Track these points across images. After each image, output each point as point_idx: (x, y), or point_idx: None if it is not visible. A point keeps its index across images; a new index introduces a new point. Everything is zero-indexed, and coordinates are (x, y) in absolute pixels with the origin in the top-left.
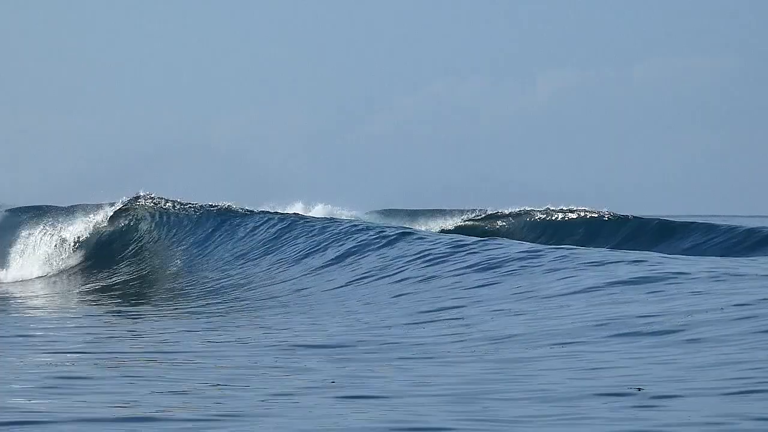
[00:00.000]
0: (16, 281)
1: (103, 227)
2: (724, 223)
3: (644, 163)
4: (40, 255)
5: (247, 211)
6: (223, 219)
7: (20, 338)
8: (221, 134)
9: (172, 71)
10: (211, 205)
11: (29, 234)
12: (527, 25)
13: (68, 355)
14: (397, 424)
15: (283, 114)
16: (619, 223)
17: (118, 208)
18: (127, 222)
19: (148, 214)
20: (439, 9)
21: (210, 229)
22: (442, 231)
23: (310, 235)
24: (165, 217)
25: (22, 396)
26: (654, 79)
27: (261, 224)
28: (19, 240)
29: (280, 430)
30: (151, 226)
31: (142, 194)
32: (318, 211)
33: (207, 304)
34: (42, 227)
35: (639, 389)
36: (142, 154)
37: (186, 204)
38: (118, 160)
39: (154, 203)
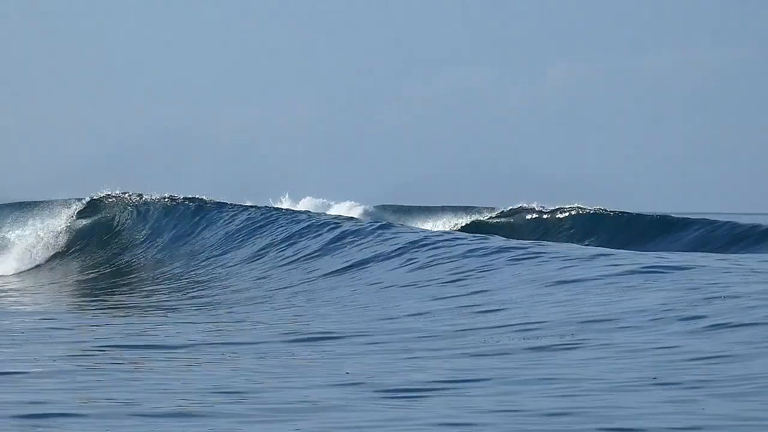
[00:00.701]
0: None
1: (87, 220)
2: (725, 219)
3: (653, 156)
4: (21, 249)
5: (231, 204)
6: (205, 212)
7: (49, 330)
8: (224, 127)
9: (181, 61)
10: (191, 198)
11: (9, 229)
12: (537, 18)
13: (97, 349)
14: (439, 420)
15: (288, 107)
16: (617, 219)
17: (88, 202)
18: (105, 215)
19: (125, 207)
20: (450, 2)
21: (198, 221)
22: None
23: (303, 226)
24: (144, 210)
25: (58, 389)
26: (664, 71)
27: (239, 215)
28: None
29: (327, 426)
30: (129, 219)
31: (105, 193)
32: (306, 204)
33: (222, 294)
34: (21, 222)
35: (654, 378)
36: (138, 147)
37: (163, 197)
38: (113, 152)
39: (125, 196)
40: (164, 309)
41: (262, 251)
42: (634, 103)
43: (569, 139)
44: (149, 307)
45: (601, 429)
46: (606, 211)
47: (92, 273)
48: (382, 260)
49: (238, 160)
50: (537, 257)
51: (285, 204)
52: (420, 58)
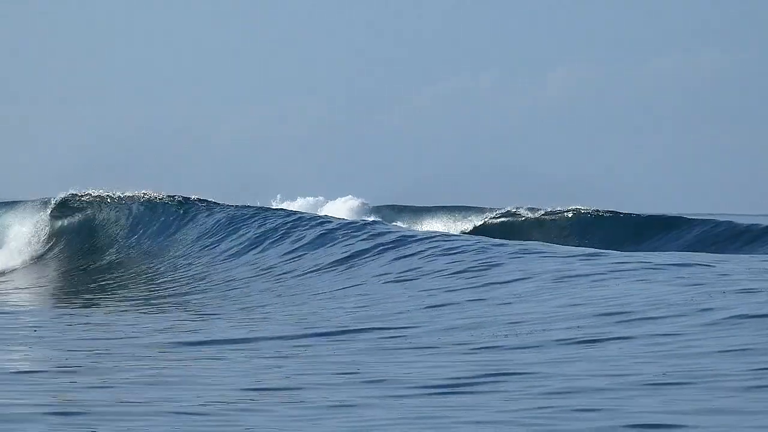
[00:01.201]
0: None
1: (82, 217)
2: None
3: (655, 159)
4: (13, 247)
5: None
6: (191, 207)
7: (64, 327)
8: (225, 128)
9: (184, 61)
10: (185, 198)
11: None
12: (538, 21)
13: (118, 345)
14: (470, 418)
15: (289, 109)
16: (614, 219)
17: (80, 198)
18: (96, 213)
19: (115, 205)
20: (449, 4)
21: (186, 218)
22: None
23: (294, 218)
24: (137, 208)
25: (86, 387)
26: (664, 75)
27: (229, 211)
28: None
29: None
30: (123, 217)
31: (80, 191)
32: (300, 204)
33: (227, 288)
34: (13, 220)
35: (664, 374)
36: (137, 147)
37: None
38: (112, 152)
39: (113, 194)
40: (177, 304)
41: (257, 246)
42: (635, 105)
43: (570, 141)
44: (162, 302)
45: (631, 425)
46: (600, 212)
47: (89, 269)
48: (379, 254)
49: (237, 161)
50: (538, 254)
51: (277, 204)
52: (421, 60)
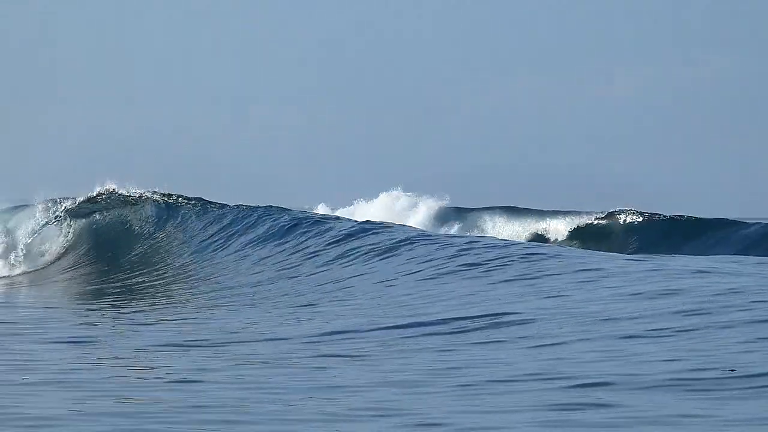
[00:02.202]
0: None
1: (91, 219)
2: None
3: (720, 162)
4: (29, 248)
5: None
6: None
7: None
8: (227, 131)
9: (184, 61)
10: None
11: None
12: (605, 21)
13: (200, 349)
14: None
15: (344, 111)
16: (661, 223)
17: (94, 198)
18: (116, 214)
19: (128, 204)
20: (513, 4)
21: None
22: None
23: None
24: (171, 211)
25: (215, 389)
26: (728, 77)
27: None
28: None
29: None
30: (131, 217)
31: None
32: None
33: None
34: (17, 224)
35: (732, 370)
36: (145, 147)
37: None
38: (112, 152)
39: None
40: (262, 298)
41: (285, 247)
42: (694, 109)
43: (637, 145)
44: (240, 296)
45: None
46: (647, 214)
47: (109, 270)
48: (409, 250)
49: (238, 162)
50: (599, 255)
51: (320, 210)
52: (481, 64)
